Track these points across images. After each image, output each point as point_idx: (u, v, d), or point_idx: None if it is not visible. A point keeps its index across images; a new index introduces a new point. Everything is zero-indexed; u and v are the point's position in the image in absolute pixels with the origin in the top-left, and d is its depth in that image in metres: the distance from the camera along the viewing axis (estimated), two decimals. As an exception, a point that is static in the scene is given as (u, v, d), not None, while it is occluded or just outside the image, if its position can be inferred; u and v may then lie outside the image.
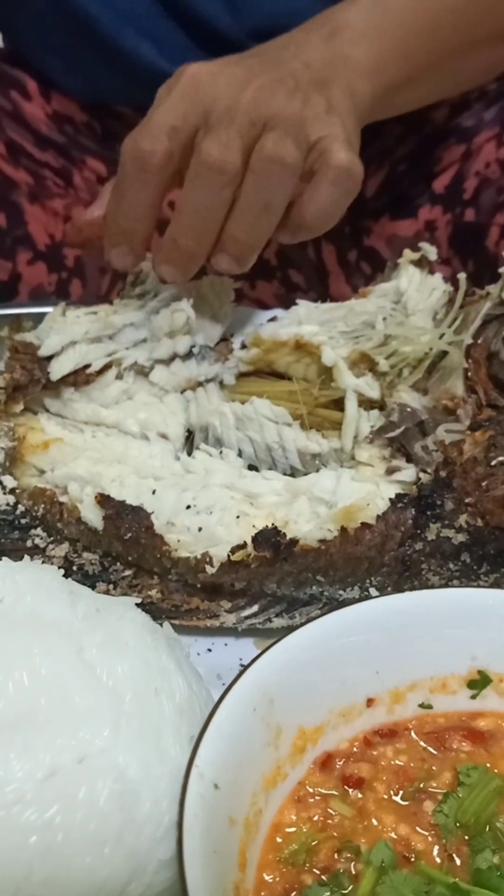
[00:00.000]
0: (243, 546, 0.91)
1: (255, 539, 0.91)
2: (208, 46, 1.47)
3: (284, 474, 1.03)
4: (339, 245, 1.61)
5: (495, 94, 1.53)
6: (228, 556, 0.91)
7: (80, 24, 1.46)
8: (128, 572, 0.98)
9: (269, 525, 0.92)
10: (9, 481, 1.02)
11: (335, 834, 0.72)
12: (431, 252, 1.19)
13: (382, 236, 1.57)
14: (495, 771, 0.75)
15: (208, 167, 1.00)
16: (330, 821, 0.73)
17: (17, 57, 1.61)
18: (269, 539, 0.91)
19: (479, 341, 1.06)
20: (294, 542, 0.91)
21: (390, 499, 0.94)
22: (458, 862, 0.70)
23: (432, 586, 0.93)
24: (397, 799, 0.74)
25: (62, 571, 0.82)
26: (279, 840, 0.71)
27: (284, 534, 0.91)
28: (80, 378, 1.12)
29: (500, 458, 0.95)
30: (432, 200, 1.53)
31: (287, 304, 1.27)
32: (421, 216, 1.52)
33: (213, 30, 1.46)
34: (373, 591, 0.93)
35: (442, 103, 1.55)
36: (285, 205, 1.04)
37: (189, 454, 1.06)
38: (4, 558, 0.83)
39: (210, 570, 0.92)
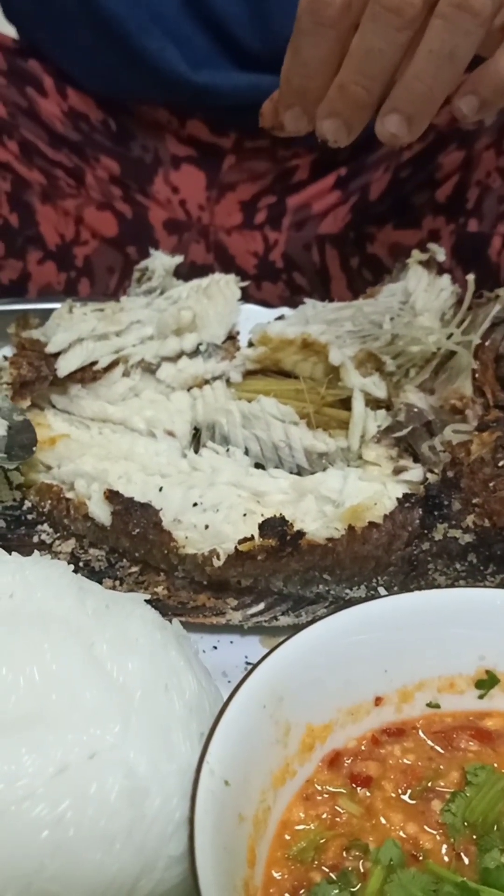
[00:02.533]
0: (251, 538, 0.92)
1: (261, 527, 0.91)
2: (232, 55, 1.47)
3: (291, 473, 1.03)
4: (343, 250, 1.62)
5: None
6: (236, 547, 0.91)
7: (105, 24, 1.46)
8: (134, 569, 0.98)
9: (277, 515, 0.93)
10: (16, 477, 1.02)
11: (343, 832, 0.72)
12: (440, 253, 1.19)
13: (386, 244, 1.58)
14: (503, 771, 0.75)
15: (385, 7, 0.90)
16: (338, 819, 0.73)
17: (32, 51, 1.62)
18: (276, 527, 0.91)
19: (487, 343, 1.06)
20: (300, 533, 0.92)
21: (397, 498, 0.95)
22: (466, 861, 0.70)
23: (439, 586, 0.94)
24: (405, 798, 0.74)
25: (71, 567, 0.82)
26: (287, 837, 0.72)
27: (291, 524, 0.91)
28: (87, 375, 1.13)
29: (508, 460, 0.96)
30: (435, 210, 1.54)
31: (291, 305, 1.28)
32: (425, 226, 1.54)
33: (237, 38, 1.46)
34: (381, 591, 0.93)
35: (444, 109, 1.56)
36: (469, 58, 0.93)
37: (196, 452, 1.06)
38: (14, 553, 0.83)
39: (217, 562, 0.92)
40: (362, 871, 0.69)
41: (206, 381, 1.14)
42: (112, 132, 1.62)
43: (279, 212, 1.62)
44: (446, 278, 1.16)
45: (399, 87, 0.93)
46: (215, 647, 0.95)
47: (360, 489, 0.96)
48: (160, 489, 0.98)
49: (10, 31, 1.66)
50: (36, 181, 1.56)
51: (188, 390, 1.13)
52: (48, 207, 1.57)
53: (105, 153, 1.60)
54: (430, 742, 0.78)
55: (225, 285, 1.25)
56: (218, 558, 0.92)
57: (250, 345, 1.19)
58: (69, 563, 0.93)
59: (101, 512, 0.97)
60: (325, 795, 0.74)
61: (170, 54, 1.46)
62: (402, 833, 0.72)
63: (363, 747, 0.78)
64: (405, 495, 0.95)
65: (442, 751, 0.77)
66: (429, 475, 0.97)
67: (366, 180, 1.59)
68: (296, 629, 0.77)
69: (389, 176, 1.57)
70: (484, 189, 1.49)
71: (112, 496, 0.96)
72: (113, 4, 1.44)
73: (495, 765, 0.76)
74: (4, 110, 1.55)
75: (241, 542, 0.91)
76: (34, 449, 1.01)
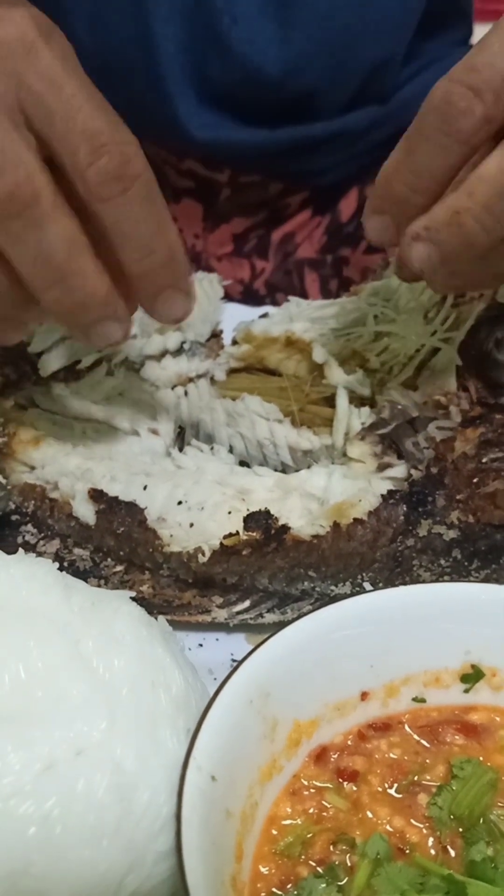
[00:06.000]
0: (235, 534, 0.92)
1: (246, 521, 0.91)
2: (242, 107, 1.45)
3: (276, 471, 1.03)
4: (322, 273, 1.64)
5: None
6: (220, 542, 0.91)
7: (111, 65, 1.39)
8: (119, 568, 0.98)
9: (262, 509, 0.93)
10: (-1, 477, 1.01)
11: (330, 826, 0.72)
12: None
13: (358, 268, 1.60)
14: (488, 764, 0.76)
15: None
16: (325, 813, 0.73)
17: None
18: (260, 521, 0.91)
19: (471, 341, 1.06)
20: (285, 528, 0.92)
21: (382, 495, 0.95)
22: (452, 854, 0.70)
23: (423, 582, 0.94)
24: (392, 792, 0.74)
25: (56, 564, 0.82)
26: (275, 832, 0.72)
27: (276, 518, 0.91)
28: (71, 374, 1.12)
29: (492, 456, 0.96)
30: None
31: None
32: (388, 249, 1.55)
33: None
34: (366, 587, 0.93)
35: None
36: None
37: (180, 450, 1.06)
38: (-2, 551, 0.83)
39: (202, 559, 0.92)
40: (349, 865, 0.70)
41: (191, 380, 1.14)
42: None
43: (267, 243, 1.64)
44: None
45: None
46: (201, 645, 0.95)
47: (345, 486, 0.97)
48: (145, 488, 0.98)
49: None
50: None
51: (172, 389, 1.13)
52: None
53: None
54: (416, 736, 0.78)
55: (208, 284, 1.25)
56: (203, 555, 0.92)
57: (234, 343, 1.19)
58: (54, 562, 0.93)
59: (85, 511, 0.97)
60: (312, 790, 0.75)
61: (175, 107, 1.40)
62: (388, 827, 0.72)
63: (349, 742, 0.78)
64: (389, 492, 0.95)
65: (428, 745, 0.78)
66: (413, 472, 0.97)
67: (337, 200, 1.61)
68: (281, 626, 0.77)
69: (356, 193, 1.60)
70: None
71: (96, 495, 0.96)
72: (124, 44, 1.37)
73: (481, 758, 0.76)
74: None
75: (225, 536, 0.91)
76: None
